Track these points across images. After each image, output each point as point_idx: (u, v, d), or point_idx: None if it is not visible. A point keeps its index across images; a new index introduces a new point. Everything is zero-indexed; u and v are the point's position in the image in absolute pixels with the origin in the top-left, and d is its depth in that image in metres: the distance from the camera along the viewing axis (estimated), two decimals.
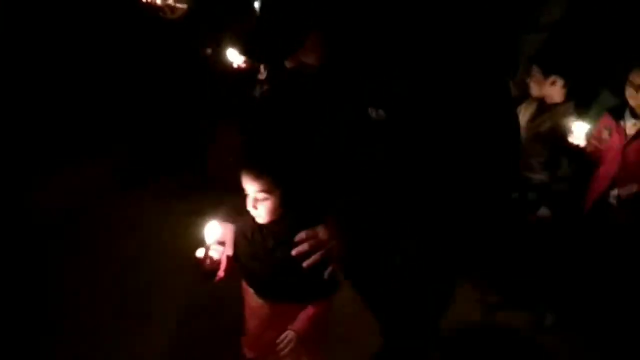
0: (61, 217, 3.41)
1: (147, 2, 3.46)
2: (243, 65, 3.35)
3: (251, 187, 1.63)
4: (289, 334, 1.67)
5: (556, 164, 2.75)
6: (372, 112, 1.46)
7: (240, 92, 3.55)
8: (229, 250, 1.72)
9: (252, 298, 1.76)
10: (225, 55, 3.35)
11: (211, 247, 1.63)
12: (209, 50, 3.51)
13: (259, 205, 1.64)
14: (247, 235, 1.72)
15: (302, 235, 1.56)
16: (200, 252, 1.63)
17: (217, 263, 1.66)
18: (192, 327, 2.61)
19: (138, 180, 3.84)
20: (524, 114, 2.78)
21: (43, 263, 3.00)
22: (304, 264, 1.53)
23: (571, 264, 2.75)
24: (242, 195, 1.68)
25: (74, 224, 3.39)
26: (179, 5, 3.52)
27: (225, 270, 1.69)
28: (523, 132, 2.72)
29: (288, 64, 1.46)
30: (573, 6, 3.15)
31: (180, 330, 2.59)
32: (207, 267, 1.64)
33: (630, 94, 2.51)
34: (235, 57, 3.33)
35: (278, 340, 1.66)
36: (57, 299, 2.75)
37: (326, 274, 1.56)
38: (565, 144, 2.60)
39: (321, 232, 1.56)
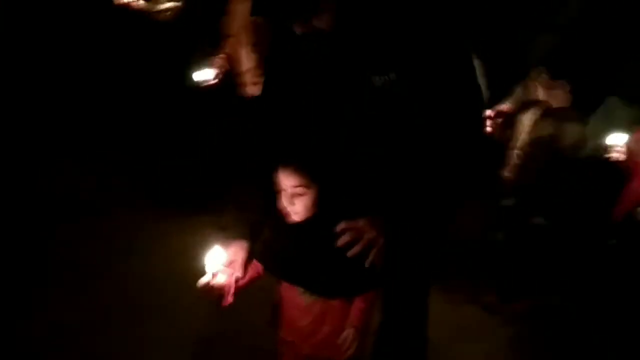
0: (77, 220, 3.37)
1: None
2: (214, 82, 3.11)
3: (288, 182, 1.61)
4: (349, 332, 1.67)
5: (554, 171, 2.68)
6: (377, 80, 1.48)
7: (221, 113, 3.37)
8: (239, 272, 1.68)
9: (299, 298, 1.72)
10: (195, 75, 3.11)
11: (215, 274, 1.60)
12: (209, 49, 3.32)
13: (296, 201, 1.62)
14: (280, 235, 1.70)
15: (342, 225, 1.57)
16: (203, 280, 1.59)
17: (221, 289, 1.63)
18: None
19: (159, 192, 3.71)
20: (529, 118, 2.70)
21: (48, 262, 2.97)
22: (348, 254, 1.54)
23: (569, 272, 2.74)
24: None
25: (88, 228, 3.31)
26: (170, 4, 3.41)
27: (235, 294, 1.66)
28: (525, 136, 2.68)
29: (298, 29, 1.48)
30: (588, 8, 3.06)
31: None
32: (212, 295, 1.62)
33: None
34: (205, 76, 3.09)
35: (340, 341, 1.67)
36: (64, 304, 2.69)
37: (367, 263, 1.56)
38: (564, 152, 2.58)
39: (361, 222, 1.57)
